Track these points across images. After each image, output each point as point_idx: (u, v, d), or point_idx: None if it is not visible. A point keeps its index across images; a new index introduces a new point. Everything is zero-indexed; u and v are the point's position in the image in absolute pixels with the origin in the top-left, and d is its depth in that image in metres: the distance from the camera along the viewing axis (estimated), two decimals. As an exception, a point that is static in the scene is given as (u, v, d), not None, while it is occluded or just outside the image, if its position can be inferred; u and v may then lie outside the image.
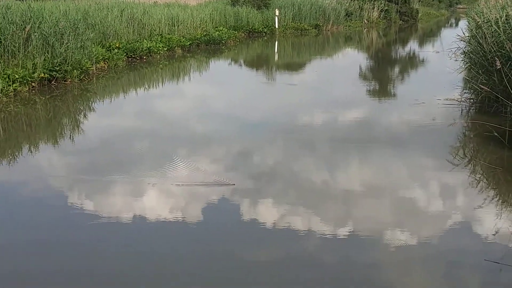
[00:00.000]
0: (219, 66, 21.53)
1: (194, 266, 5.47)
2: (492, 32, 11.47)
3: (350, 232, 6.23)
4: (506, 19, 11.17)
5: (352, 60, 24.33)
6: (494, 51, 11.12)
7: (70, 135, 10.43)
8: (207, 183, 7.56)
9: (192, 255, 5.71)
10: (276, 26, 31.66)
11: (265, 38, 30.52)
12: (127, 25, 20.72)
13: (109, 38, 19.57)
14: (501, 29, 10.97)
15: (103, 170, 8.18)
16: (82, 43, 15.57)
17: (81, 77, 15.11)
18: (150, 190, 7.37)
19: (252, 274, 5.34)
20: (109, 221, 6.43)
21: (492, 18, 11.62)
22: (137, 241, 6.02)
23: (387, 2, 44.03)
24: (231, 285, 5.15)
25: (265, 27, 31.44)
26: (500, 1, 12.58)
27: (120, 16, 20.71)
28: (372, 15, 41.73)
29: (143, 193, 7.27)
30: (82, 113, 12.48)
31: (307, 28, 33.41)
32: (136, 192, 7.29)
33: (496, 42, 11.21)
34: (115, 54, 18.15)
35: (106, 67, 17.30)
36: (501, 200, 7.30)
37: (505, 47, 9.99)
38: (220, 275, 5.27)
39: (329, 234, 6.15)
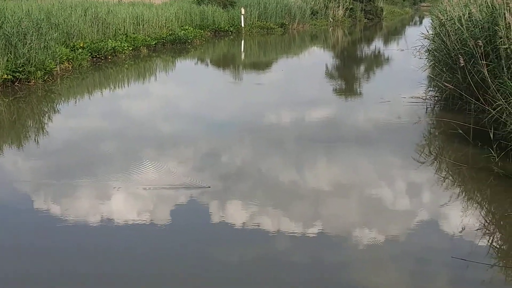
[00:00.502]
0: (186, 66, 21.42)
1: (167, 267, 5.42)
2: (456, 29, 11.61)
3: (319, 231, 6.24)
4: (469, 16, 11.31)
5: (318, 59, 24.43)
6: (458, 48, 11.25)
7: (35, 138, 10.26)
8: (177, 186, 7.50)
9: (164, 257, 5.65)
10: (242, 25, 31.63)
11: (231, 37, 30.47)
12: (91, 25, 20.46)
13: (73, 38, 19.30)
14: (464, 26, 11.11)
15: (70, 174, 8.05)
16: (46, 43, 15.31)
17: (45, 78, 14.86)
18: (118, 194, 7.28)
19: (223, 274, 5.31)
20: (76, 226, 6.33)
21: (455, 16, 11.76)
22: (108, 244, 5.95)
23: (352, 1, 44.33)
24: (203, 285, 5.12)
25: (231, 26, 31.39)
26: (463, -1, 12.74)
27: (84, 15, 20.44)
28: (338, 14, 41.98)
29: (111, 197, 7.18)
30: (46, 115, 12.29)
31: (273, 27, 33.44)
32: (104, 196, 7.19)
33: (460, 39, 11.34)
34: (79, 54, 17.91)
35: (70, 68, 17.05)
36: (467, 197, 7.40)
37: (468, 45, 10.12)
38: (191, 276, 5.24)
39: (299, 234, 6.16)
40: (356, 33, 38.01)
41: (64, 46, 17.89)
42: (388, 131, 10.63)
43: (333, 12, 41.72)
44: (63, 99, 13.94)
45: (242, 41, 29.20)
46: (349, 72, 20.70)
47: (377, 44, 31.81)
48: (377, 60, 24.19)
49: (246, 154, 9.30)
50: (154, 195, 7.24)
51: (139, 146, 9.58)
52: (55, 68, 15.61)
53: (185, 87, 16.38)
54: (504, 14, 8.67)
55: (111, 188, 7.42)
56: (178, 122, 11.55)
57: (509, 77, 8.56)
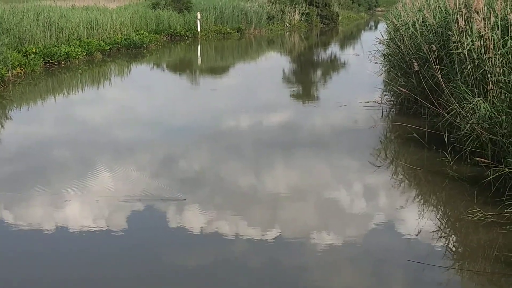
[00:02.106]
0: (141, 71, 21.18)
1: (124, 273, 5.31)
2: (410, 34, 11.75)
3: (277, 235, 6.22)
4: (422, 21, 11.46)
5: (275, 63, 24.47)
6: (412, 53, 11.39)
7: (-15, 145, 9.98)
8: (134, 195, 7.38)
9: (121, 263, 5.54)
10: (199, 30, 31.48)
11: (188, 41, 30.30)
12: (43, 29, 20.05)
13: (25, 43, 18.89)
14: (418, 31, 11.25)
15: (22, 184, 7.84)
16: (-4, 48, 14.96)
17: (-4, 84, 14.51)
18: (72, 205, 7.12)
19: (181, 280, 5.23)
20: (27, 240, 6.17)
21: (410, 20, 11.91)
22: (66, 254, 5.80)
23: (308, 6, 44.56)
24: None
25: (187, 31, 31.21)
26: (417, 4, 12.90)
27: (37, 20, 20.02)
28: (294, 19, 42.15)
29: (65, 208, 7.02)
30: (-3, 122, 11.98)
31: (230, 31, 33.39)
32: (58, 207, 7.03)
33: (414, 44, 11.48)
34: (31, 59, 17.52)
35: (22, 73, 16.66)
36: (422, 200, 7.46)
37: (422, 49, 10.24)
38: (147, 281, 5.14)
39: (257, 238, 6.13)
40: (313, 38, 38.25)
41: (16, 52, 17.49)
42: (344, 135, 10.67)
43: (289, 17, 41.88)
44: (15, 105, 13.61)
45: (199, 46, 29.07)
46: (306, 77, 20.77)
47: (333, 48, 32.06)
48: (334, 64, 24.35)
49: (202, 160, 9.22)
50: (108, 204, 7.10)
51: (93, 153, 9.41)
52: (6, 74, 15.24)
53: (141, 93, 16.17)
54: (457, 19, 8.79)
55: (62, 199, 7.25)
56: (133, 128, 11.38)
57: (463, 81, 8.68)
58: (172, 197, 7.19)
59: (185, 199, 7.13)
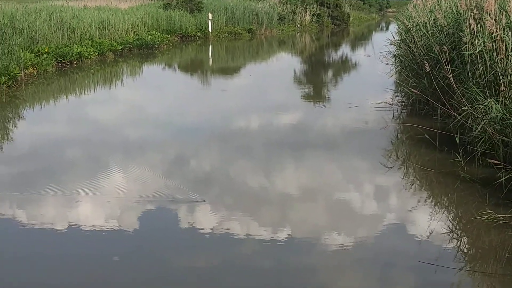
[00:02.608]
0: (153, 71, 21.26)
1: (131, 273, 5.35)
2: (421, 35, 11.73)
3: (288, 236, 6.24)
4: (434, 22, 11.44)
5: (286, 64, 24.48)
6: (423, 54, 11.37)
7: (-2, 145, 10.07)
8: (150, 196, 7.42)
9: (130, 264, 5.58)
10: (210, 30, 31.55)
11: (199, 42, 30.37)
12: (56, 30, 20.18)
13: (38, 43, 19.01)
14: (429, 32, 11.23)
15: (34, 184, 7.91)
16: (10, 48, 15.06)
17: (9, 84, 14.59)
18: (84, 205, 7.18)
19: (189, 279, 5.26)
20: (40, 240, 6.22)
21: (421, 21, 11.88)
22: (76, 253, 5.85)
23: (319, 7, 44.54)
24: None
25: (198, 31, 31.28)
26: (428, 5, 12.87)
27: (49, 20, 20.15)
28: (305, 19, 42.14)
29: (78, 208, 7.08)
30: (11, 121, 12.06)
31: (241, 32, 33.43)
32: (71, 207, 7.08)
33: (425, 45, 11.46)
34: (44, 59, 17.63)
35: (35, 73, 16.77)
36: (434, 202, 7.45)
37: (434, 50, 10.22)
38: (156, 284, 5.18)
39: (267, 239, 6.15)
40: (324, 39, 38.23)
41: (28, 51, 17.62)
42: (355, 136, 10.67)
43: (300, 18, 41.87)
44: (28, 105, 13.71)
45: (210, 46, 29.13)
46: (317, 78, 20.77)
47: (344, 49, 32.03)
48: (345, 65, 24.33)
49: (213, 160, 9.25)
50: (121, 205, 7.15)
51: (106, 152, 9.48)
52: (19, 73, 15.34)
53: (152, 93, 16.24)
54: (469, 20, 8.78)
55: (74, 199, 7.31)
56: (144, 128, 11.43)
57: (474, 82, 8.66)
58: (192, 199, 7.20)
59: (204, 200, 7.15)
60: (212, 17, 31.68)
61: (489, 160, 7.37)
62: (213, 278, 5.38)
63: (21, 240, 6.21)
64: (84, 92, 16.00)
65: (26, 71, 16.26)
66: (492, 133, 7.64)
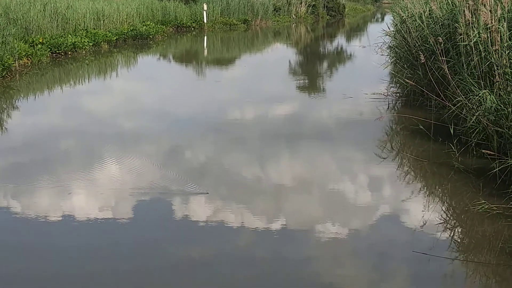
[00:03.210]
0: (147, 62, 21.21)
1: (128, 265, 5.36)
2: (416, 26, 11.73)
3: (282, 226, 6.24)
4: (429, 13, 11.44)
5: (281, 55, 24.44)
6: (418, 45, 11.38)
7: (-8, 135, 10.04)
8: (144, 187, 7.43)
9: (125, 254, 5.59)
10: (205, 21, 31.45)
11: (194, 33, 30.29)
12: (50, 20, 20.11)
13: (32, 33, 18.95)
14: (424, 23, 11.23)
15: (28, 174, 7.90)
16: (4, 38, 15.00)
17: (3, 74, 14.54)
18: (80, 196, 7.18)
19: (185, 272, 5.27)
20: (35, 231, 6.22)
21: (416, 12, 11.88)
22: (74, 243, 5.85)
23: (314, -3, 44.48)
24: (166, 284, 5.07)
25: (193, 22, 31.20)
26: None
27: (43, 10, 20.07)
28: (300, 10, 42.07)
29: (73, 199, 7.07)
30: (5, 112, 12.02)
31: (236, 23, 33.35)
32: (64, 198, 7.08)
33: (420, 36, 11.47)
34: (38, 50, 17.58)
35: (29, 63, 16.72)
36: (428, 192, 7.48)
37: (429, 42, 10.23)
38: (153, 274, 5.18)
39: (261, 229, 6.16)
40: (319, 30, 38.17)
41: (22, 42, 17.55)
42: (350, 127, 10.68)
43: (295, 9, 41.80)
44: (22, 95, 13.67)
45: (205, 37, 29.06)
46: (312, 69, 20.76)
47: (340, 40, 32.00)
48: (340, 56, 24.32)
49: (208, 150, 9.25)
50: (117, 195, 7.15)
51: (100, 143, 9.47)
52: (13, 64, 15.30)
53: (147, 84, 16.20)
54: (464, 11, 8.78)
55: (68, 190, 7.31)
56: (139, 119, 11.42)
57: (469, 73, 8.68)
58: (196, 191, 7.19)
59: (207, 193, 7.14)
60: (207, 7, 31.58)
61: (483, 151, 7.40)
62: (206, 267, 5.39)
63: (14, 230, 6.20)
64: (79, 82, 15.95)
65: (20, 61, 16.21)
66: (486, 123, 7.66)
